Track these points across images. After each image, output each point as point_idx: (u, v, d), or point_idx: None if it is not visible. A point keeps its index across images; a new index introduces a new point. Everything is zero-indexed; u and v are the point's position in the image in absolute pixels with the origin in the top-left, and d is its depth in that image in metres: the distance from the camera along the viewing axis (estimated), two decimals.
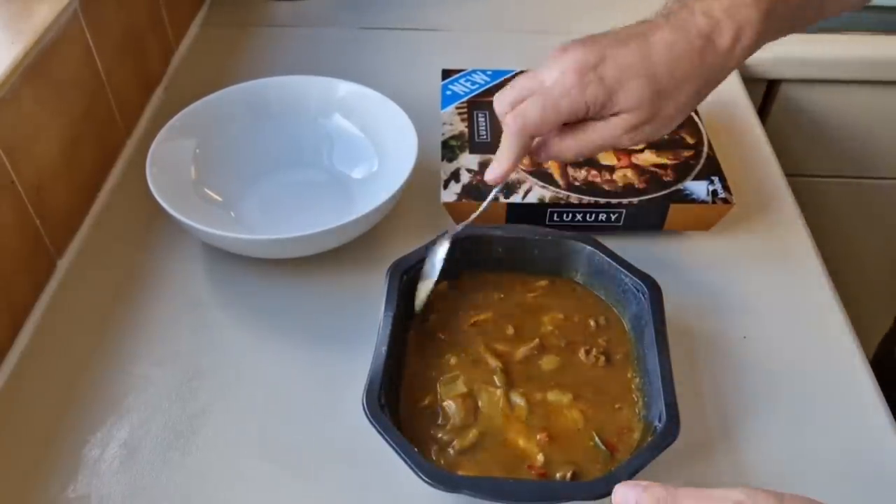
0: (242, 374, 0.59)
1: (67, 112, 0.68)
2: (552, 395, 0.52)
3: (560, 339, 0.56)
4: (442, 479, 0.45)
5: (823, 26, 0.99)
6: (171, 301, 0.66)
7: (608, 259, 0.58)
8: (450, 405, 0.53)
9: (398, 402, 0.54)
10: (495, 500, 0.45)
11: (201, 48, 0.97)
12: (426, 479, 0.45)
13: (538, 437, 0.50)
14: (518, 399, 0.52)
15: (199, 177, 0.72)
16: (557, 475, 0.49)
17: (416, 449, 0.46)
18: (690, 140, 0.75)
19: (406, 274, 0.59)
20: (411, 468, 0.45)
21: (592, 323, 0.58)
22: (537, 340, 0.56)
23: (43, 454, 0.54)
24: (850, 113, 1.02)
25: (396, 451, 0.46)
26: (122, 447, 0.54)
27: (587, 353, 0.54)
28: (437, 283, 0.58)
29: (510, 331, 0.57)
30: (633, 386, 0.53)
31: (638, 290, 0.56)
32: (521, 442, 0.50)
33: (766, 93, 1.01)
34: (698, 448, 0.55)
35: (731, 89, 0.90)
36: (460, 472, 0.49)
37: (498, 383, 0.53)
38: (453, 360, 0.55)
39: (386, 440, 0.46)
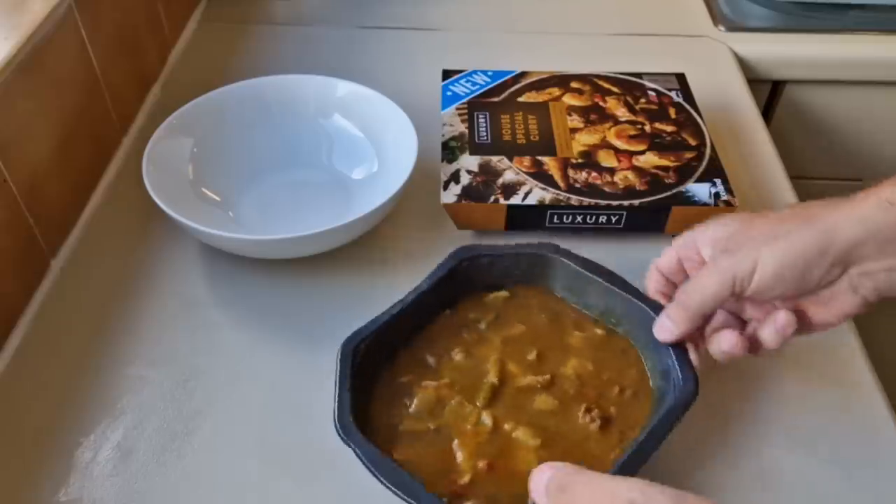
0: (239, 374, 0.59)
1: (61, 109, 0.68)
2: (521, 433, 0.50)
3: (574, 387, 0.53)
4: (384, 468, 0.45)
5: (829, 26, 0.99)
6: (168, 301, 0.66)
7: (678, 351, 0.52)
8: (423, 391, 0.52)
9: (388, 365, 0.54)
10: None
11: (199, 45, 0.97)
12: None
13: (480, 463, 0.49)
14: (486, 419, 0.51)
15: (196, 176, 0.72)
16: None
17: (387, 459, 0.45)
18: (693, 142, 0.75)
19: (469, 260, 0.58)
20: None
21: (616, 390, 0.53)
22: (549, 377, 0.53)
23: (34, 456, 0.53)
24: (856, 115, 1.02)
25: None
26: (116, 449, 0.54)
27: (587, 411, 0.51)
28: (505, 289, 0.58)
29: (532, 356, 0.55)
30: (608, 459, 0.49)
31: (675, 384, 0.51)
32: (462, 456, 0.49)
33: (770, 94, 1.01)
34: (696, 460, 0.55)
35: (735, 90, 0.91)
36: (394, 454, 0.49)
37: (479, 400, 0.52)
38: (458, 356, 0.54)
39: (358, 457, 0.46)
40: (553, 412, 0.51)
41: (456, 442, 0.50)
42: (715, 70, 0.94)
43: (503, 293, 0.58)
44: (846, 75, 0.98)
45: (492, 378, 0.53)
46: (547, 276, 0.58)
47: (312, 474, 0.53)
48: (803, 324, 0.49)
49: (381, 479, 0.44)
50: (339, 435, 0.46)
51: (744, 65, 0.96)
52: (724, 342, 0.49)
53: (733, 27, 0.99)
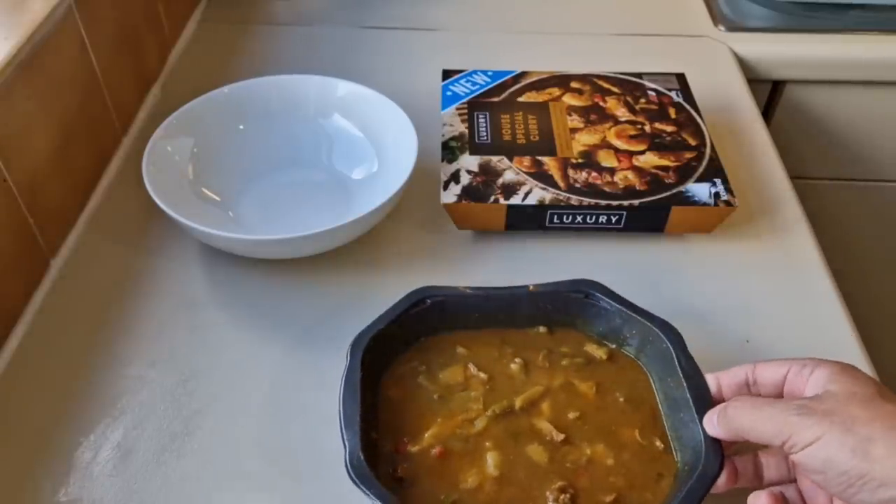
0: (239, 374, 0.59)
1: (61, 109, 0.68)
2: (491, 457, 0.50)
3: (575, 465, 0.50)
4: None
5: (829, 26, 0.99)
6: (167, 301, 0.66)
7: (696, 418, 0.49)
8: (459, 368, 0.55)
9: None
10: None
11: (199, 45, 0.97)
12: None
13: (437, 447, 0.50)
14: (479, 424, 0.52)
15: (196, 176, 0.72)
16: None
17: None
18: (692, 141, 0.75)
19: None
20: None
21: (611, 498, 0.48)
22: (563, 438, 0.51)
23: (34, 457, 0.53)
24: (857, 115, 1.02)
25: None
26: (116, 449, 0.54)
27: (560, 491, 0.48)
28: (625, 346, 0.56)
29: (573, 415, 0.52)
30: None
31: (697, 459, 0.48)
32: (430, 431, 0.51)
33: (770, 94, 1.01)
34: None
35: (735, 90, 0.90)
36: (388, 388, 0.53)
37: (490, 408, 0.53)
38: (515, 367, 0.55)
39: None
40: (533, 466, 0.50)
41: (439, 419, 0.52)
42: (715, 70, 0.94)
43: (624, 352, 0.56)
44: (846, 75, 0.98)
45: (518, 402, 0.53)
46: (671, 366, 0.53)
47: (312, 474, 0.53)
48: None
49: None
50: (351, 478, 0.46)
51: (744, 65, 0.96)
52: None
53: (733, 27, 0.99)
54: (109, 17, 0.78)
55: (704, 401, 0.49)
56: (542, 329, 0.57)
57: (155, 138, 0.68)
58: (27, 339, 0.63)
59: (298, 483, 0.53)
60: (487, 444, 0.51)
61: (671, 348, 0.52)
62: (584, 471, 0.49)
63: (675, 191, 0.70)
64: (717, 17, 1.01)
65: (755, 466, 0.49)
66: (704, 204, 0.69)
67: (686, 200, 0.69)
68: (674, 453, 0.51)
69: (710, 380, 0.50)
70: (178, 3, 0.96)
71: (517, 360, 0.55)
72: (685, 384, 0.50)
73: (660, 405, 0.53)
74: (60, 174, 0.69)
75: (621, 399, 0.53)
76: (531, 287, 0.57)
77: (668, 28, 1.02)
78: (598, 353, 0.56)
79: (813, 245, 0.72)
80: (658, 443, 0.51)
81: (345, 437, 0.47)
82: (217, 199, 0.72)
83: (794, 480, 0.48)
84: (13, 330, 0.62)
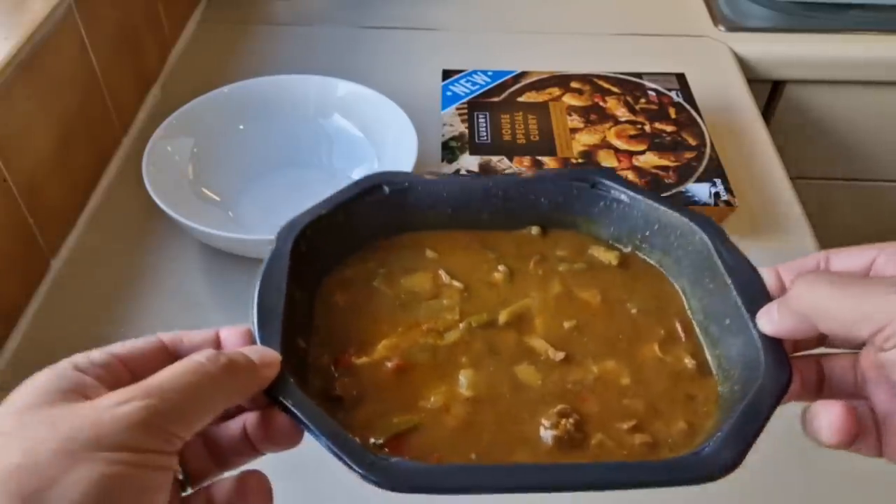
0: None
1: (61, 109, 0.68)
2: (464, 375, 0.40)
3: (578, 388, 0.40)
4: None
5: (829, 26, 0.99)
6: (168, 301, 0.66)
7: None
8: (426, 275, 0.44)
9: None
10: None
11: (199, 45, 0.97)
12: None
13: (392, 360, 0.40)
14: (451, 336, 0.42)
15: (196, 176, 0.72)
16: None
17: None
18: (693, 142, 0.75)
19: None
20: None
21: (629, 426, 0.38)
22: (563, 356, 0.41)
23: None
24: (857, 114, 1.03)
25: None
26: None
27: (561, 415, 0.38)
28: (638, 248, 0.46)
29: (570, 324, 0.43)
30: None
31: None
32: (387, 342, 0.41)
33: (770, 94, 1.01)
34: None
35: (735, 90, 0.90)
36: (338, 294, 0.42)
37: (468, 320, 0.42)
38: (499, 276, 0.45)
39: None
40: (520, 388, 0.40)
41: (400, 328, 0.42)
42: (715, 70, 0.94)
43: (640, 256, 0.46)
44: (846, 75, 0.98)
45: (503, 316, 0.43)
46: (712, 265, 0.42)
47: (312, 473, 0.52)
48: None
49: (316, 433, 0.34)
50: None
51: (744, 65, 0.96)
52: (824, 415, 0.33)
53: (733, 27, 0.99)
54: (109, 17, 0.78)
55: (759, 299, 0.38)
56: (534, 230, 0.47)
57: (155, 138, 0.68)
58: (27, 339, 0.62)
59: (299, 482, 0.52)
60: (463, 359, 0.40)
61: (708, 241, 0.41)
62: (591, 392, 0.39)
63: (675, 191, 0.70)
64: (717, 16, 1.02)
65: (818, 375, 0.37)
66: (704, 204, 0.69)
67: (686, 200, 0.69)
68: (714, 375, 0.40)
69: (768, 274, 0.39)
70: (178, 3, 0.96)
71: (501, 267, 0.45)
72: (730, 282, 0.39)
73: (692, 317, 0.43)
74: (60, 174, 0.69)
75: (634, 310, 0.43)
76: (521, 173, 0.50)
77: (668, 28, 1.02)
78: (607, 257, 0.46)
79: (813, 244, 0.72)
80: (688, 360, 0.41)
81: (257, 339, 0.36)
82: (217, 199, 0.72)
83: (864, 397, 0.35)
84: (13, 330, 0.62)
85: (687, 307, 0.44)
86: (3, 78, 0.59)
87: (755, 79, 0.97)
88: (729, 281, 0.40)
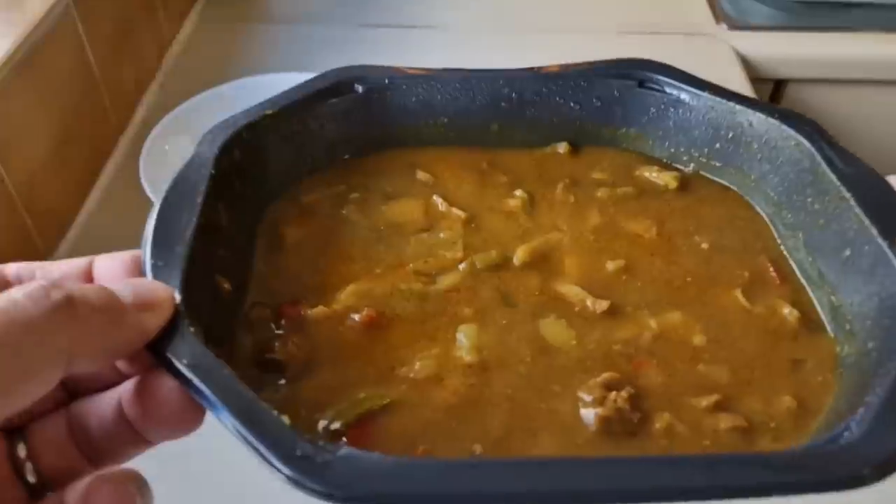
0: None
1: (59, 107, 0.67)
2: (464, 332, 0.28)
3: (631, 349, 0.28)
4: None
5: (832, 25, 0.98)
6: None
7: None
8: (417, 199, 0.33)
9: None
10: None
11: (197, 44, 0.96)
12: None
13: (365, 310, 0.28)
14: (445, 281, 0.30)
15: None
16: None
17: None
18: None
19: None
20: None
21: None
22: (607, 305, 0.29)
23: None
24: (860, 114, 1.01)
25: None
26: None
27: (606, 388, 0.26)
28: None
29: (616, 264, 0.31)
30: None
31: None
32: (357, 287, 0.29)
33: (773, 93, 1.00)
34: None
35: (738, 89, 0.90)
36: (292, 225, 0.29)
37: (473, 260, 0.31)
38: (515, 203, 0.33)
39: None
40: (547, 350, 0.27)
41: (377, 269, 0.30)
42: (717, 69, 0.92)
43: (709, 175, 0.34)
44: (849, 74, 0.97)
45: (520, 253, 0.30)
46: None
47: (221, 475, 0.51)
48: None
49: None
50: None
51: (746, 63, 0.95)
52: None
53: (736, 25, 0.98)
54: (107, 16, 0.77)
55: (893, 214, 0.27)
56: (561, 147, 0.35)
57: (152, 137, 0.65)
58: None
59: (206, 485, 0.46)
60: (464, 311, 0.28)
61: (810, 147, 0.30)
62: (649, 356, 0.27)
63: None
64: (719, 15, 1.00)
65: None
66: None
67: None
68: (827, 330, 0.28)
69: None
70: (177, 1, 0.96)
71: (518, 192, 0.33)
72: (849, 196, 0.28)
73: (787, 253, 0.31)
74: (58, 173, 0.68)
75: (704, 245, 0.31)
76: (544, 68, 0.36)
77: (671, 26, 1.01)
78: (663, 178, 0.34)
79: None
80: (787, 311, 0.29)
81: (146, 270, 0.24)
82: None
83: None
84: None
85: (778, 240, 0.31)
86: (1, 77, 0.59)
87: (757, 78, 0.96)
88: (848, 194, 0.27)
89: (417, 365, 0.27)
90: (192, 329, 0.22)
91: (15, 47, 0.60)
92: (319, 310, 0.28)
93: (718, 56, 0.94)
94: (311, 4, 1.00)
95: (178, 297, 0.23)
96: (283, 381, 0.26)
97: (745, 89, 0.90)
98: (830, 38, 0.94)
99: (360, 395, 0.25)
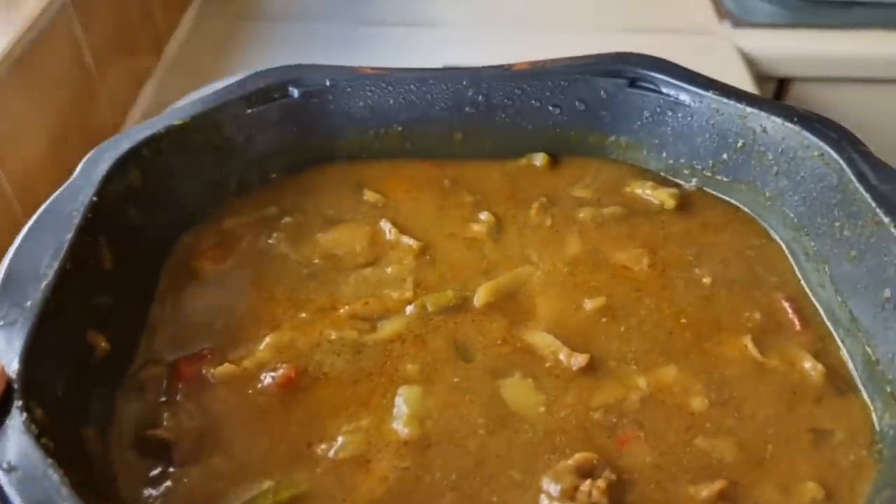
0: None
1: (55, 106, 0.67)
2: (403, 396, 0.23)
3: (619, 415, 0.22)
4: None
5: (836, 23, 0.97)
6: None
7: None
8: (365, 223, 0.27)
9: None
10: None
11: (194, 42, 0.95)
12: None
13: (282, 368, 0.23)
14: (385, 327, 0.25)
15: None
16: None
17: None
18: None
19: None
20: None
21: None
22: (585, 360, 0.24)
23: None
24: (863, 112, 1.00)
25: None
26: None
27: (579, 474, 0.21)
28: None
29: (595, 302, 0.25)
30: None
31: None
32: (273, 339, 0.23)
33: (776, 91, 0.99)
34: None
35: (741, 88, 0.90)
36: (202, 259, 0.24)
37: (425, 301, 0.25)
38: (480, 228, 0.28)
39: None
40: (509, 422, 0.22)
41: (302, 312, 0.24)
42: (720, 67, 0.92)
43: (691, 187, 0.29)
44: (853, 72, 0.96)
45: (482, 293, 0.25)
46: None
47: None
48: None
49: None
50: None
51: (749, 62, 0.95)
52: None
53: (739, 23, 0.97)
54: (104, 14, 0.76)
55: None
56: (537, 158, 0.29)
57: None
58: None
59: None
60: (406, 367, 0.23)
61: (839, 159, 0.24)
62: (636, 427, 0.21)
63: None
64: (722, 12, 1.00)
65: None
66: None
67: None
68: (861, 392, 0.22)
69: None
70: None
71: (484, 215, 0.27)
72: (889, 221, 0.22)
73: (809, 289, 0.25)
74: (55, 172, 0.68)
75: (706, 280, 0.25)
76: (516, 65, 0.30)
77: (673, 24, 1.00)
78: (658, 196, 0.28)
79: None
80: (808, 363, 0.23)
81: None
82: None
83: None
84: None
85: (799, 273, 0.25)
86: None
87: (761, 76, 0.95)
88: (887, 218, 0.22)
89: (340, 440, 0.21)
90: (28, 413, 0.17)
91: (10, 46, 0.60)
92: (225, 368, 0.22)
93: (721, 54, 0.94)
94: (309, 2, 1.00)
95: (14, 367, 0.18)
96: (168, 469, 0.20)
97: (750, 88, 0.90)
98: (835, 36, 0.93)
99: (265, 484, 0.20)
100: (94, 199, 0.22)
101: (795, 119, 0.26)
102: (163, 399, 0.22)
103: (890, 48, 0.91)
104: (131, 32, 0.80)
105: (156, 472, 0.20)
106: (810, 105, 1.05)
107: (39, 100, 0.66)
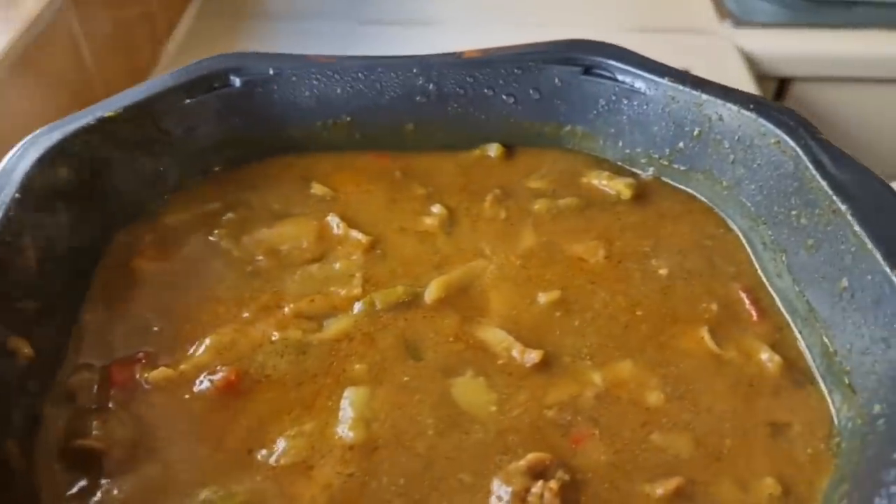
0: None
1: (54, 105, 0.68)
2: (349, 399, 0.21)
3: (573, 413, 0.21)
4: None
5: (837, 22, 0.97)
6: None
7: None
8: (310, 218, 0.26)
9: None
10: None
11: (193, 40, 0.95)
12: None
13: (223, 371, 0.22)
14: (334, 325, 0.23)
15: None
16: None
17: None
18: None
19: None
20: None
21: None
22: (538, 356, 0.22)
23: None
24: (864, 112, 1.00)
25: None
26: None
27: (532, 474, 0.20)
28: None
29: (551, 296, 0.24)
30: None
31: None
32: (213, 341, 0.23)
33: (777, 91, 0.99)
34: None
35: (743, 87, 0.89)
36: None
37: (373, 298, 0.24)
38: (428, 223, 0.27)
39: None
40: (459, 422, 0.21)
41: (245, 312, 0.23)
42: (721, 67, 0.91)
43: (647, 177, 0.28)
44: (854, 72, 0.95)
45: (434, 289, 0.24)
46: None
47: None
48: None
49: None
50: None
51: (750, 61, 0.94)
52: None
53: (740, 23, 0.96)
54: (104, 13, 0.77)
55: None
56: (491, 149, 0.29)
57: None
58: None
59: None
60: (354, 367, 0.22)
61: (795, 147, 0.24)
62: (591, 425, 0.21)
63: None
64: (723, 12, 0.99)
65: None
66: None
67: None
68: (819, 383, 0.22)
69: None
70: None
71: (436, 208, 0.27)
72: (844, 209, 0.21)
73: (767, 279, 0.24)
74: None
75: (663, 271, 0.25)
76: (466, 53, 0.27)
77: (674, 24, 0.99)
78: (615, 186, 0.27)
79: None
80: (766, 354, 0.22)
81: None
82: None
83: None
84: None
85: (756, 263, 0.24)
86: None
87: (762, 76, 0.95)
88: (843, 206, 0.21)
89: (282, 446, 0.20)
90: None
91: (10, 45, 0.61)
92: (160, 372, 0.21)
93: (722, 54, 0.93)
94: (308, 0, 1.00)
95: None
96: (98, 481, 0.19)
97: (751, 87, 0.89)
98: (836, 36, 0.93)
99: (202, 494, 0.19)
100: (17, 196, 0.21)
101: (751, 106, 0.25)
102: (93, 406, 0.20)
103: (890, 48, 0.91)
104: (130, 32, 0.80)
105: (83, 483, 0.19)
106: (811, 105, 1.05)
107: (39, 99, 0.66)
